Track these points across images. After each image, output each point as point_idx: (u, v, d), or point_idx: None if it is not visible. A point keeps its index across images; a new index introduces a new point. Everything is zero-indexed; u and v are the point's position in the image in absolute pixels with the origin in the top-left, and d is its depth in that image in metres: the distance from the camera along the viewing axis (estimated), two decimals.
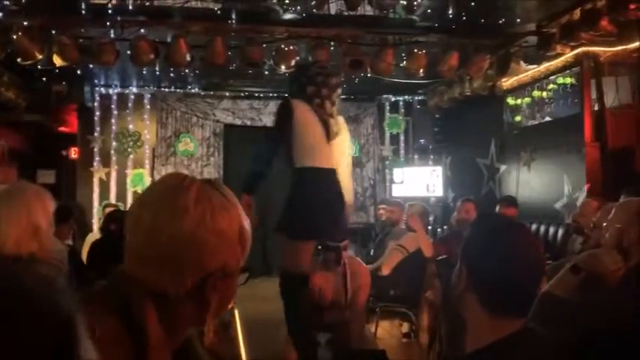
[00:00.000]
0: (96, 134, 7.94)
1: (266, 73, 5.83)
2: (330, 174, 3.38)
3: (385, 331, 5.29)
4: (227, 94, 8.24)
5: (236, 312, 4.55)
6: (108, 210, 5.76)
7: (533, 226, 5.80)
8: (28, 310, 0.57)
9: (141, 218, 0.94)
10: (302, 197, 3.31)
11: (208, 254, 0.93)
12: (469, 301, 1.26)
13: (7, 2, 4.33)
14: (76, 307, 0.62)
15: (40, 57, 4.84)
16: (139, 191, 7.98)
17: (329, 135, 3.36)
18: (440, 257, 4.58)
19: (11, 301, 0.57)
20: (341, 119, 3.58)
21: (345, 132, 3.56)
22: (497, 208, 5.14)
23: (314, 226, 3.27)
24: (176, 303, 0.92)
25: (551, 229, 5.56)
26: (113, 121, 8.00)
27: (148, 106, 8.12)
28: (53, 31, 4.82)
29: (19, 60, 4.85)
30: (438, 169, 7.88)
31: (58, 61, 4.92)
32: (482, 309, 1.23)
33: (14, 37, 4.66)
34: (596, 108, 5.41)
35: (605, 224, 2.06)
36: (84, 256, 4.11)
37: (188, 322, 0.97)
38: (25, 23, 4.65)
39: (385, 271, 4.89)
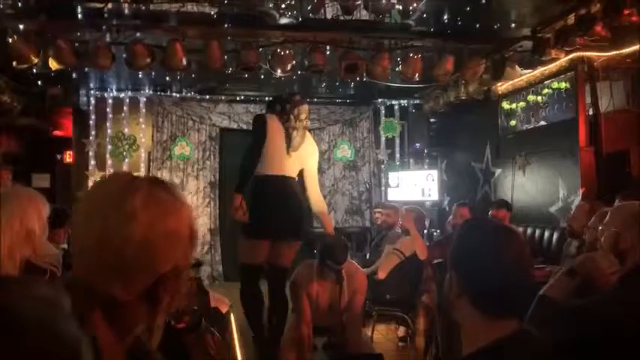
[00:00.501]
0: (91, 138, 7.93)
1: (262, 77, 5.83)
2: (284, 181, 3.95)
3: (381, 335, 5.29)
4: (223, 97, 8.24)
5: (232, 317, 4.55)
6: None
7: (529, 230, 5.82)
8: (30, 344, 0.55)
9: (90, 224, 0.91)
10: (255, 201, 3.88)
11: (160, 257, 0.91)
12: (462, 304, 1.27)
13: (2, 5, 4.32)
14: (80, 332, 0.61)
15: (36, 61, 4.83)
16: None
17: (289, 147, 3.95)
18: (435, 261, 4.59)
19: (11, 335, 0.55)
20: (308, 135, 4.17)
21: (310, 146, 4.18)
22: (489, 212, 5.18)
23: (263, 227, 3.85)
24: (127, 306, 0.91)
25: (547, 233, 5.58)
26: (108, 124, 7.99)
27: (144, 110, 8.12)
28: (49, 35, 4.81)
29: (14, 64, 4.84)
30: (434, 173, 7.90)
31: (53, 64, 4.91)
32: (475, 312, 1.24)
33: (10, 40, 4.66)
34: (590, 112, 5.44)
35: (600, 228, 2.07)
36: None
37: (139, 321, 0.95)
38: (21, 27, 4.64)
39: (381, 275, 4.89)
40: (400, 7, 4.74)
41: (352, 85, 6.87)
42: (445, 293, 1.32)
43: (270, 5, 4.71)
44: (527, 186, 6.27)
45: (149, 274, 0.91)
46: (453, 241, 1.35)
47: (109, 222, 0.89)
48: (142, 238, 0.89)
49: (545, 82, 5.95)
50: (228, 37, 5.06)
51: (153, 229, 0.90)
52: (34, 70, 5.11)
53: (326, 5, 4.81)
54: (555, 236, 5.39)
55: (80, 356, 0.59)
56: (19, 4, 4.31)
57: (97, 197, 0.97)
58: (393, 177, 8.29)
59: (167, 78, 6.89)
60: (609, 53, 5.17)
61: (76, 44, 4.96)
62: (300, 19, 4.85)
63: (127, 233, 0.88)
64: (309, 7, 4.68)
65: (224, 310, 4.22)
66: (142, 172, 8.02)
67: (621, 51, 5.08)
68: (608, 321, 1.62)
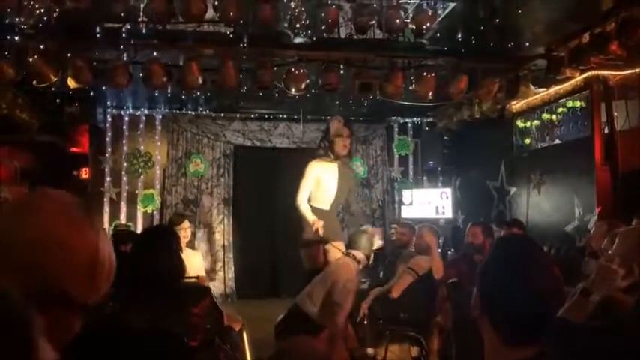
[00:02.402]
0: (107, 155, 8.03)
1: (276, 95, 5.88)
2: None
3: (395, 355, 5.23)
4: (237, 115, 8.31)
5: (244, 334, 4.54)
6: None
7: (544, 249, 5.75)
8: None
9: None
10: None
11: (47, 266, 0.85)
12: (485, 326, 1.25)
13: (25, 26, 4.42)
14: (28, 307, 0.61)
15: (55, 79, 4.92)
16: (149, 211, 8.02)
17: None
18: (450, 280, 4.55)
19: None
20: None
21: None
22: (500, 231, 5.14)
23: None
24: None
25: (562, 252, 5.51)
26: (125, 141, 8.08)
27: (159, 128, 8.21)
28: (68, 54, 4.90)
29: (34, 82, 4.93)
30: (448, 191, 7.86)
31: (72, 83, 4.99)
32: (496, 334, 1.22)
33: (30, 60, 4.75)
34: (606, 131, 5.40)
35: (610, 252, 2.04)
36: None
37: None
38: (41, 46, 4.74)
39: (395, 294, 4.85)
40: (414, 27, 4.77)
41: (366, 103, 6.88)
42: (465, 312, 1.30)
43: (285, 25, 4.76)
44: (543, 205, 6.21)
45: (32, 276, 0.84)
46: (484, 260, 1.32)
47: (11, 218, 0.88)
48: (33, 238, 0.86)
49: (560, 100, 5.93)
50: (244, 57, 5.12)
51: (46, 234, 0.86)
52: (53, 89, 5.20)
53: (340, 25, 4.86)
54: (571, 256, 5.32)
55: (28, 321, 0.61)
56: (40, 25, 4.41)
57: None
58: (407, 195, 8.27)
59: (183, 96, 6.97)
60: (625, 72, 5.14)
61: (94, 63, 5.04)
62: (315, 38, 4.89)
63: (26, 230, 0.86)
64: (323, 27, 4.73)
65: (237, 327, 4.22)
66: (157, 189, 8.09)
67: (637, 69, 5.05)
68: (626, 346, 1.59)
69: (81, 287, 0.88)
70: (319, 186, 5.02)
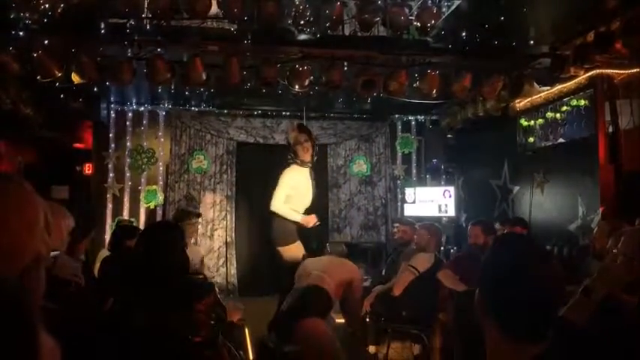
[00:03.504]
0: (110, 151, 8.03)
1: (280, 92, 5.87)
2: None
3: (397, 353, 5.23)
4: (241, 112, 8.31)
5: (246, 330, 4.55)
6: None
7: (547, 248, 5.75)
8: None
9: None
10: None
11: (23, 248, 0.94)
12: (488, 325, 1.25)
13: (30, 21, 4.42)
14: (27, 294, 0.63)
15: (59, 75, 4.92)
16: (152, 207, 8.04)
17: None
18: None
19: None
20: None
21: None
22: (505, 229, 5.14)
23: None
24: None
25: (565, 251, 5.51)
26: (128, 138, 8.09)
27: (163, 124, 8.21)
28: (73, 50, 4.91)
29: (38, 77, 4.94)
30: (451, 189, 7.86)
31: (76, 78, 4.99)
32: (503, 333, 1.22)
33: (34, 55, 4.76)
34: (610, 130, 5.38)
35: (614, 251, 2.04)
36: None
37: None
38: (46, 42, 4.74)
39: (397, 292, 4.86)
40: (418, 24, 4.75)
41: (369, 100, 6.87)
42: (475, 307, 1.30)
43: (289, 22, 4.76)
44: (546, 204, 6.20)
45: (14, 265, 0.93)
46: (483, 260, 1.33)
47: None
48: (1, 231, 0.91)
49: (564, 99, 5.91)
50: (248, 54, 5.11)
51: (11, 222, 0.93)
52: (57, 84, 5.20)
53: (344, 22, 4.85)
54: (574, 255, 5.32)
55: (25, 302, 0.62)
56: (45, 20, 4.41)
57: None
58: (410, 192, 8.26)
59: (186, 92, 6.97)
60: (629, 71, 5.12)
61: (99, 59, 5.05)
62: (319, 35, 4.88)
63: None
64: (327, 24, 4.72)
65: (236, 318, 4.23)
66: (160, 185, 8.10)
67: None
68: (628, 348, 1.59)
69: (46, 244, 0.99)
70: (296, 191, 5.13)
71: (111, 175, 8.01)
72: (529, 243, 1.35)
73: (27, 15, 4.35)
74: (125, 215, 7.91)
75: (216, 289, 3.53)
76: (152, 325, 1.73)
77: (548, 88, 5.93)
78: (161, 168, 8.16)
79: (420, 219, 6.19)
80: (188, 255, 2.49)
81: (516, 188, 6.85)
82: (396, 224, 5.85)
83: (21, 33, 4.58)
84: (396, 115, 8.83)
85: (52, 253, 2.04)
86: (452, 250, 7.23)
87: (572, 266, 5.25)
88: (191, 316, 2.04)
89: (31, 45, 4.71)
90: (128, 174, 8.05)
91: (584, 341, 1.68)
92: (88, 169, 8.23)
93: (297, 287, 4.14)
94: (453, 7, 4.75)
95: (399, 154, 8.92)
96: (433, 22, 4.70)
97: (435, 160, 8.71)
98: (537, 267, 1.24)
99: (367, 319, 5.23)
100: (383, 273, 5.87)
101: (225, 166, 8.34)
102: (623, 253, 1.87)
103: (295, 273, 4.39)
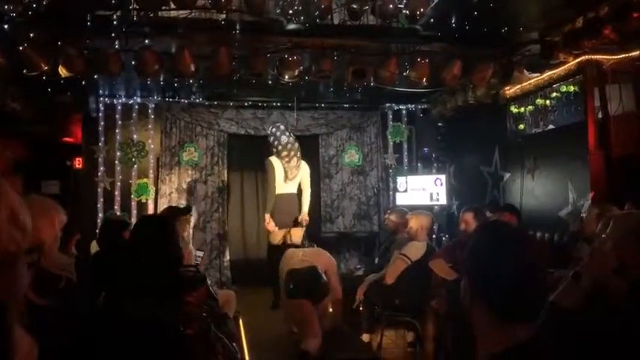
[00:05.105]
0: (100, 144, 7.98)
1: (269, 82, 5.85)
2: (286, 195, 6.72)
3: (390, 341, 5.27)
4: (231, 103, 8.28)
5: (240, 321, 4.56)
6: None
7: (538, 234, 5.78)
8: None
9: None
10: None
11: None
12: (478, 309, 1.26)
13: (14, 14, 4.36)
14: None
15: (46, 68, 4.87)
16: (144, 201, 8.00)
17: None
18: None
19: None
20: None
21: (302, 171, 6.87)
22: (496, 216, 5.15)
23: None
24: None
25: (556, 237, 5.55)
26: (117, 131, 8.03)
27: (153, 116, 8.17)
28: (59, 43, 4.85)
29: (24, 71, 4.88)
30: (442, 178, 7.88)
31: (63, 72, 4.95)
32: (489, 316, 1.23)
33: (20, 48, 4.70)
34: (599, 116, 5.40)
35: (603, 236, 2.04)
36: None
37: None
38: (32, 35, 4.68)
39: (389, 280, 4.88)
40: (407, 12, 4.74)
41: (360, 90, 6.86)
42: (462, 293, 1.32)
43: (278, 11, 4.73)
44: (537, 190, 6.23)
45: None
46: (469, 245, 1.34)
47: None
48: None
49: (554, 85, 5.92)
50: (236, 44, 5.07)
51: None
52: (44, 78, 5.15)
53: (333, 11, 4.83)
54: (565, 241, 5.35)
55: None
56: (30, 13, 4.35)
57: None
58: (401, 181, 8.28)
59: (176, 84, 6.93)
60: (618, 56, 5.13)
61: (86, 52, 4.99)
62: (308, 25, 4.86)
63: None
64: (316, 13, 4.69)
65: (231, 309, 4.24)
66: (151, 178, 8.07)
67: (630, 54, 5.04)
68: (617, 334, 1.61)
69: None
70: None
71: (101, 168, 7.96)
72: (509, 226, 1.39)
73: (11, 8, 4.29)
74: (117, 209, 7.88)
75: (209, 282, 3.52)
76: (142, 316, 1.72)
77: (538, 74, 5.93)
78: (152, 161, 8.12)
79: (412, 207, 6.20)
80: (181, 247, 2.49)
81: (507, 175, 6.87)
82: (388, 213, 5.86)
83: (5, 26, 4.52)
84: (387, 105, 8.83)
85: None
86: (444, 238, 7.26)
87: (563, 252, 5.29)
88: (182, 309, 2.04)
89: (16, 38, 4.66)
90: (119, 167, 8.01)
91: (573, 325, 1.69)
92: (78, 163, 8.17)
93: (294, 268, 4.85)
94: None
95: (391, 144, 8.93)
96: (422, 10, 4.68)
97: (426, 149, 8.73)
98: (520, 246, 1.27)
99: (361, 308, 5.25)
100: (376, 262, 5.88)
101: (216, 158, 8.31)
102: (613, 239, 1.88)
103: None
